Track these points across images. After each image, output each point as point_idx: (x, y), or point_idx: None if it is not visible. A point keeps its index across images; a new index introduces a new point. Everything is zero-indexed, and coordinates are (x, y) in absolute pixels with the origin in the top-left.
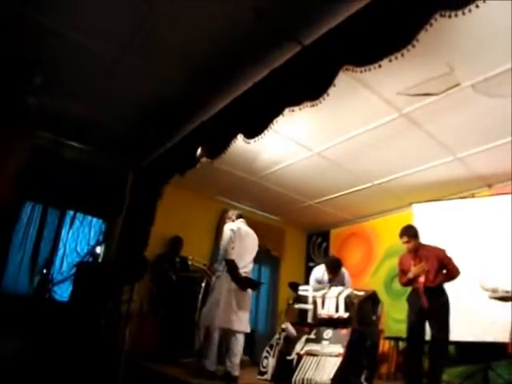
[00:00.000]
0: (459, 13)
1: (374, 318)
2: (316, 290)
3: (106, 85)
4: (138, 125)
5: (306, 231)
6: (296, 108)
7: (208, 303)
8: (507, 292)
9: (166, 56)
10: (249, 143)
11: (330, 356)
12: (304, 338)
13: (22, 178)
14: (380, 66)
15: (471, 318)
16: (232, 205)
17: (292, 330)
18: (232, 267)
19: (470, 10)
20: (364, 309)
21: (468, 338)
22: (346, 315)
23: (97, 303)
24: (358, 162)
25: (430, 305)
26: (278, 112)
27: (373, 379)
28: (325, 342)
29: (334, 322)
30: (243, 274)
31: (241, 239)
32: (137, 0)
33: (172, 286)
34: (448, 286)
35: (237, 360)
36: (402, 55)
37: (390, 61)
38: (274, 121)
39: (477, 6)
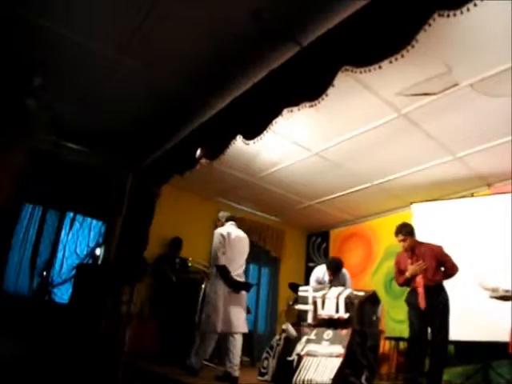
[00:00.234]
0: (457, 12)
1: (375, 318)
2: (316, 290)
3: (105, 86)
4: (137, 126)
5: (306, 232)
6: (295, 109)
7: (206, 308)
8: (507, 291)
9: (165, 57)
10: (248, 144)
11: (331, 356)
12: (304, 338)
13: (21, 180)
14: (380, 67)
15: (472, 318)
16: (231, 206)
17: (292, 330)
18: (224, 273)
19: (468, 9)
20: (364, 309)
21: (468, 337)
22: (346, 316)
23: (97, 305)
24: (358, 163)
25: (430, 304)
26: (276, 113)
27: (373, 380)
28: (325, 343)
29: (334, 323)
30: (236, 278)
31: (231, 244)
32: (135, 2)
33: (172, 287)
34: (448, 286)
35: (237, 360)
36: (402, 56)
37: (391, 62)
38: (274, 121)
39: (475, 5)
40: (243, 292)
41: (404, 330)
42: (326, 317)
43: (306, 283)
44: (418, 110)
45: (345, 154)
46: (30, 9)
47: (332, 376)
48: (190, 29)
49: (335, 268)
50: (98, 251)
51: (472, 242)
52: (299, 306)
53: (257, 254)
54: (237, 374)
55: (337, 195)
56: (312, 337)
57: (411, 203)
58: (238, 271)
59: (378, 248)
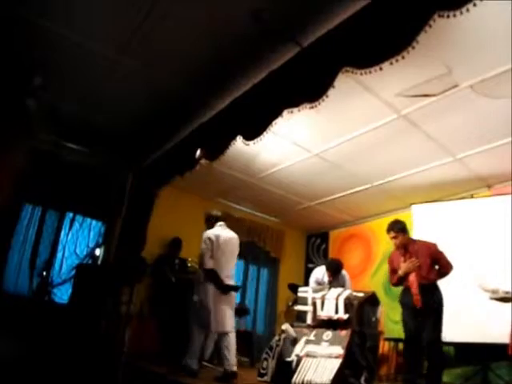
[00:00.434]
0: (457, 13)
1: (374, 319)
2: (315, 291)
3: (105, 86)
4: (137, 126)
5: (305, 232)
6: (295, 109)
7: (196, 309)
8: (507, 293)
9: (165, 57)
10: (248, 145)
11: (330, 357)
12: (304, 339)
13: (21, 180)
14: (381, 69)
15: (471, 319)
16: (231, 206)
17: (292, 331)
18: (212, 276)
19: (467, 10)
20: (364, 310)
21: (468, 339)
22: (345, 316)
23: (96, 305)
24: (358, 164)
25: (424, 303)
26: (276, 114)
27: (372, 381)
28: (324, 344)
29: (333, 324)
30: (225, 280)
31: (220, 247)
32: (135, 2)
33: (171, 287)
34: (448, 287)
35: (233, 357)
36: (403, 57)
37: (391, 63)
38: (274, 122)
39: (474, 5)
40: (232, 292)
41: None
42: (326, 318)
43: (306, 284)
44: (418, 111)
45: (345, 155)
46: (30, 9)
47: (331, 377)
48: (189, 29)
49: (335, 269)
50: (98, 251)
51: (472, 244)
52: (299, 307)
53: (256, 255)
54: (235, 369)
55: (336, 196)
56: (311, 338)
57: (411, 204)
58: (227, 273)
59: (378, 249)
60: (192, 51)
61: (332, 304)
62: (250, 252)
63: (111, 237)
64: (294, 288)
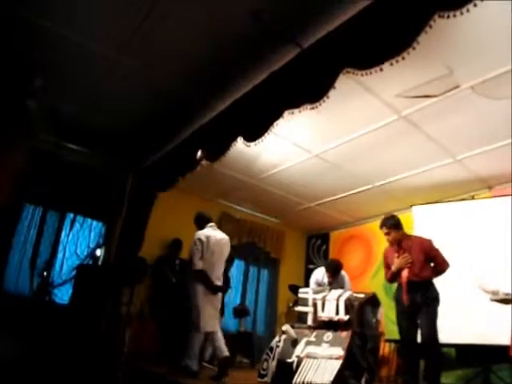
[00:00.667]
0: (458, 13)
1: (375, 320)
2: (316, 292)
3: (106, 87)
4: (137, 127)
5: (306, 233)
6: (296, 110)
7: (191, 308)
8: (508, 294)
9: (166, 57)
10: (249, 146)
11: (330, 359)
12: (304, 340)
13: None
14: (381, 70)
15: (472, 321)
16: (232, 207)
17: (292, 332)
18: (202, 277)
19: (467, 10)
20: (364, 311)
21: (469, 340)
22: (346, 318)
23: (97, 306)
24: (358, 164)
25: (413, 300)
26: (277, 115)
27: (373, 382)
28: (325, 345)
29: (334, 325)
30: (215, 281)
31: (211, 248)
32: (135, 2)
33: (172, 288)
34: (448, 289)
35: (224, 347)
36: (403, 58)
37: (392, 64)
38: (275, 123)
39: (474, 5)
40: (219, 293)
41: None
42: (326, 319)
43: (306, 285)
44: (419, 112)
45: (345, 156)
46: (30, 9)
47: (332, 378)
48: (190, 29)
49: (334, 270)
50: (98, 252)
51: (472, 245)
52: (299, 308)
53: (257, 256)
54: (227, 353)
55: (337, 197)
56: (312, 339)
57: (411, 205)
58: (217, 274)
59: (378, 250)
60: (192, 52)
61: (333, 305)
62: (250, 253)
63: (112, 237)
64: (294, 289)
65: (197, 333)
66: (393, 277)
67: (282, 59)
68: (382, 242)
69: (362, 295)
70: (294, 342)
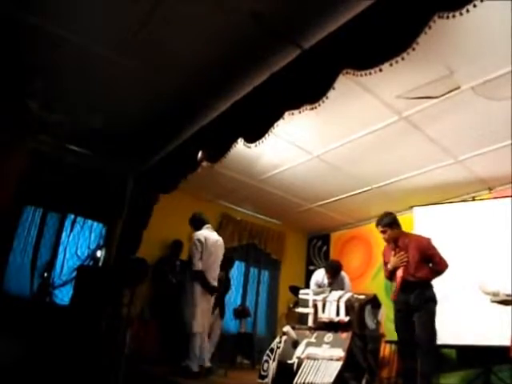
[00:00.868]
0: (457, 14)
1: (375, 321)
2: (316, 293)
3: (106, 89)
4: (138, 129)
5: (307, 234)
6: (296, 111)
7: (186, 310)
8: (508, 295)
9: (166, 58)
10: (249, 147)
11: (331, 360)
12: (305, 341)
13: (22, 182)
14: (381, 70)
15: (472, 322)
16: (233, 208)
17: (293, 333)
18: (200, 277)
19: (467, 11)
20: (365, 312)
21: (470, 341)
22: (346, 319)
23: (97, 307)
24: (359, 166)
25: (410, 302)
26: (278, 116)
27: (373, 383)
28: (325, 346)
29: (334, 326)
30: (212, 281)
31: (208, 249)
32: (135, 3)
33: (172, 289)
34: (449, 290)
35: (208, 354)
36: (403, 59)
37: (391, 65)
38: (275, 124)
39: (474, 6)
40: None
41: None
42: (327, 320)
43: (307, 286)
44: (419, 113)
45: (345, 157)
46: (31, 10)
47: (332, 379)
48: (190, 30)
49: (334, 271)
50: (99, 253)
51: (473, 246)
52: (300, 309)
53: (257, 257)
54: (208, 364)
55: (337, 198)
56: (312, 340)
57: (412, 206)
58: (214, 275)
59: (379, 251)
60: (193, 53)
61: (333, 306)
62: (251, 254)
63: (112, 239)
64: (295, 290)
65: (194, 333)
66: (390, 275)
67: (282, 60)
68: (382, 242)
69: (362, 296)
70: (295, 343)
